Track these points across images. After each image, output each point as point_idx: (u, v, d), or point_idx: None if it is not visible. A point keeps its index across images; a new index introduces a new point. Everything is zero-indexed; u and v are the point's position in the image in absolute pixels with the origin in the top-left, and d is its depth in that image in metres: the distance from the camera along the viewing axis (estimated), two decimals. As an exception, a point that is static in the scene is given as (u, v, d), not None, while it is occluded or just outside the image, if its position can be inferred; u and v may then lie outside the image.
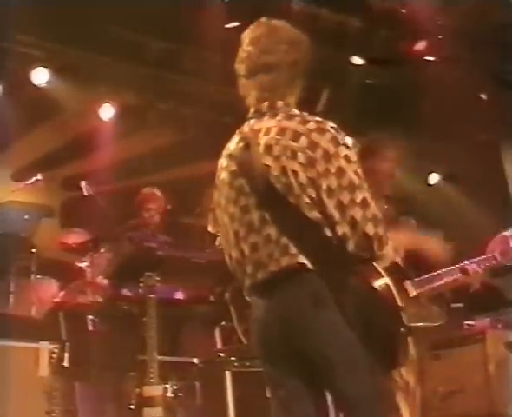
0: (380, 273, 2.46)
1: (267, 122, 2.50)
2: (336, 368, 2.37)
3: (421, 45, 6.71)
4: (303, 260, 2.37)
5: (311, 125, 2.43)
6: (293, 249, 2.38)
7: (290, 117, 2.48)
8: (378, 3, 6.57)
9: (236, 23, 5.66)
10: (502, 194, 6.94)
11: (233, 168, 2.54)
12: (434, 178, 7.93)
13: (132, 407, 4.33)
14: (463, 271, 3.71)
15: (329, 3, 6.48)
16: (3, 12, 5.22)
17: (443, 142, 7.22)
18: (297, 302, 2.38)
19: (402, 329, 2.44)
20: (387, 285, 2.45)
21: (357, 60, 6.83)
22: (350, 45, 6.76)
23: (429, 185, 7.93)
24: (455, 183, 7.97)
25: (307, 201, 2.37)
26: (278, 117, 2.50)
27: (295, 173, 2.38)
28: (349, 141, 2.48)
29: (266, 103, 2.54)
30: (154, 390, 4.34)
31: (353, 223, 2.35)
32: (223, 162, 2.60)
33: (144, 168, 6.71)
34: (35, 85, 6.14)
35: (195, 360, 4.91)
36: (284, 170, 2.39)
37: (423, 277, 3.64)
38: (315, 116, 2.49)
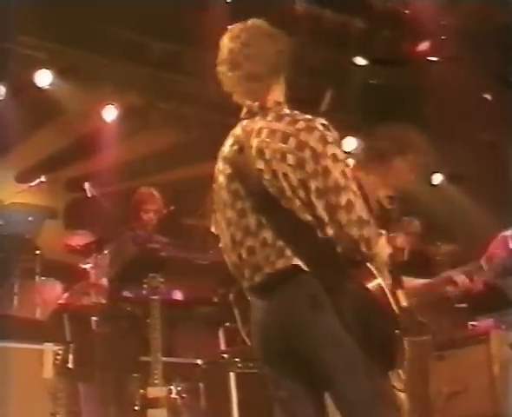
0: (373, 274, 2.45)
1: (258, 123, 2.50)
2: (334, 371, 2.36)
3: (424, 45, 6.71)
4: (298, 262, 2.37)
5: (300, 124, 2.41)
6: (289, 252, 2.38)
7: (280, 118, 2.47)
8: (381, 4, 6.57)
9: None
10: (506, 194, 6.93)
11: (229, 171, 2.54)
12: (437, 178, 7.92)
13: (136, 408, 4.33)
14: (453, 283, 3.70)
15: (332, 4, 6.49)
16: (6, 14, 5.24)
17: (447, 142, 7.21)
18: (294, 304, 2.38)
19: (397, 330, 2.44)
20: (380, 286, 2.45)
21: (361, 60, 6.83)
22: (353, 46, 6.76)
23: (433, 185, 7.91)
24: (458, 183, 7.96)
25: (298, 203, 2.37)
26: (269, 118, 2.49)
27: (285, 175, 2.38)
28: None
29: (257, 104, 2.53)
30: (159, 391, 4.34)
31: (339, 227, 2.35)
32: (219, 164, 2.61)
33: (147, 169, 6.71)
34: (38, 87, 6.15)
35: (199, 362, 4.91)
36: (275, 174, 2.39)
37: (411, 287, 3.60)
38: (305, 114, 2.47)
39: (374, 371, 2.39)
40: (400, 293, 3.54)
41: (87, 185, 5.58)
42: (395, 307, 2.49)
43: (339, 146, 2.43)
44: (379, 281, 2.45)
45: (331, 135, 2.41)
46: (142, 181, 6.21)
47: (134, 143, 6.80)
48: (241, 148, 2.50)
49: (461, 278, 3.69)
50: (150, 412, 4.29)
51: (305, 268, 2.36)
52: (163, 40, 6.34)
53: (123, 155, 6.66)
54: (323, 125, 2.42)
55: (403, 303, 3.45)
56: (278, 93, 2.57)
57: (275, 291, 2.42)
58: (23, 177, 6.21)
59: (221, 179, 2.57)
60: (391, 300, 2.49)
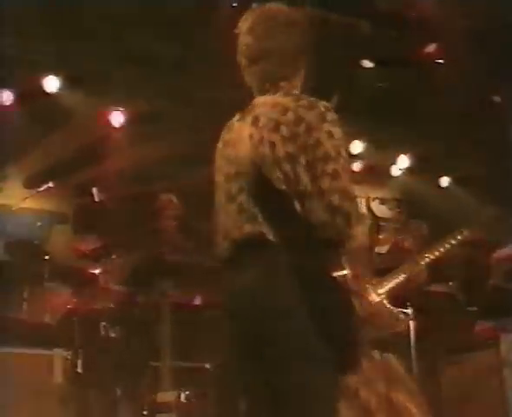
0: (342, 265, 2.40)
1: (266, 98, 2.53)
2: (289, 358, 2.26)
3: (431, 47, 6.70)
4: (266, 229, 2.31)
5: (303, 102, 2.42)
6: (260, 218, 2.34)
7: (286, 94, 2.49)
8: (387, 6, 6.57)
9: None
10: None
11: (226, 137, 2.59)
12: (445, 181, 7.91)
13: (145, 412, 4.34)
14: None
15: (338, 7, 6.48)
16: (14, 20, 5.26)
17: (454, 144, 7.20)
18: (257, 284, 2.30)
19: (354, 330, 2.34)
20: (344, 277, 2.41)
21: (368, 63, 6.83)
22: (360, 48, 6.75)
23: (440, 187, 7.90)
24: (466, 186, 7.95)
25: (279, 175, 2.33)
26: (277, 95, 2.51)
27: (272, 144, 2.36)
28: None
29: (268, 84, 2.55)
30: (168, 396, 4.35)
31: (320, 193, 2.29)
32: (221, 134, 2.64)
33: (155, 174, 6.72)
34: (46, 93, 6.17)
35: (208, 366, 4.91)
36: (261, 140, 2.39)
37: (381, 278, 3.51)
38: (311, 97, 2.47)
39: (327, 365, 2.26)
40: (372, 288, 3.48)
41: (95, 190, 5.59)
42: (358, 305, 2.44)
43: (338, 126, 2.39)
44: (345, 272, 2.41)
45: (331, 115, 2.40)
46: (151, 185, 6.22)
47: (141, 148, 6.81)
48: (243, 116, 2.54)
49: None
50: (159, 416, 4.30)
51: (273, 239, 2.29)
52: (170, 44, 6.35)
53: (131, 159, 6.67)
54: (325, 107, 2.42)
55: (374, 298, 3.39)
56: (293, 78, 2.59)
57: (239, 264, 2.36)
58: (32, 183, 6.22)
59: (219, 145, 2.62)
60: (355, 294, 2.44)
